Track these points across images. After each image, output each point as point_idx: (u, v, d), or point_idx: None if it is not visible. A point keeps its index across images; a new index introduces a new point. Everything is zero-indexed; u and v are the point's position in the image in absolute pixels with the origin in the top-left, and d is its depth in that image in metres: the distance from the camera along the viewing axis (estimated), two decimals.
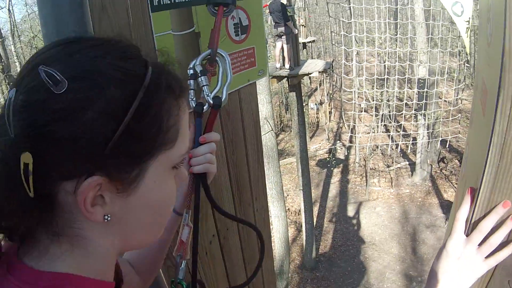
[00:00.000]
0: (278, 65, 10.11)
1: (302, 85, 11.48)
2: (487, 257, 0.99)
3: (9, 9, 16.81)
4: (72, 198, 0.62)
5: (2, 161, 0.59)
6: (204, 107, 1.20)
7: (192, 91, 1.22)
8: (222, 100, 1.20)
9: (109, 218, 0.67)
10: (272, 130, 8.84)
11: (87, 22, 1.31)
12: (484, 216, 0.99)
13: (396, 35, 15.86)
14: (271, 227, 10.21)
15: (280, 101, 24.36)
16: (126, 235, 0.75)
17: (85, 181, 0.61)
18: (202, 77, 1.19)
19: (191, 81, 1.21)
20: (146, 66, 0.68)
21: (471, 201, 1.02)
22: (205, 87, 1.19)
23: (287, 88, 11.70)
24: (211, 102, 1.18)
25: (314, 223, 12.84)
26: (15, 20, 18.62)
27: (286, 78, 10.33)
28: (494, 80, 0.91)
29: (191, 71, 1.22)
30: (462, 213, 1.03)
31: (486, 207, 0.99)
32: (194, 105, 1.20)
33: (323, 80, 22.17)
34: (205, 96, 1.19)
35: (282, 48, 9.97)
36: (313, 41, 18.23)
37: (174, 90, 0.72)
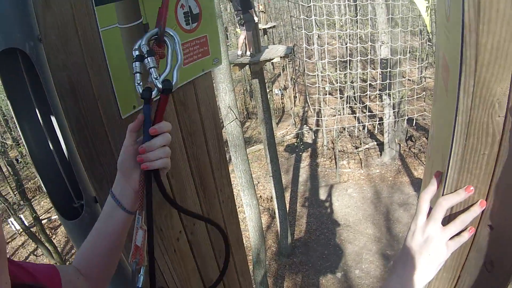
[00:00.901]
0: (239, 53, 10.05)
1: (265, 71, 11.48)
2: (450, 239, 0.98)
3: None
4: None
5: None
6: (153, 92, 1.08)
7: (138, 74, 1.09)
8: (173, 83, 1.08)
9: None
10: (236, 118, 8.79)
11: (32, 20, 1.24)
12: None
13: (357, 16, 15.98)
14: (244, 215, 10.21)
15: (244, 88, 24.38)
16: None
17: None
18: (149, 58, 1.07)
19: (137, 63, 1.09)
20: None
21: (438, 183, 1.01)
22: (152, 69, 1.07)
23: (250, 76, 11.67)
24: (160, 86, 1.06)
25: (287, 209, 12.91)
26: None
27: (248, 65, 10.28)
28: (455, 55, 0.86)
29: (136, 52, 1.10)
30: (427, 194, 1.01)
31: (454, 188, 0.97)
32: (140, 91, 1.09)
33: (285, 65, 22.30)
34: (153, 79, 1.06)
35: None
36: (274, 26, 18.21)
37: None
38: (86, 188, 1.53)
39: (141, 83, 1.10)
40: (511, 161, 0.88)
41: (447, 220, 0.99)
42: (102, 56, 1.30)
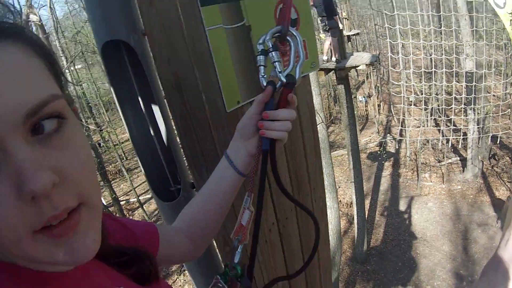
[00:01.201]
0: (325, 58, 10.04)
1: (349, 77, 11.36)
2: None
3: (50, 7, 17.26)
4: None
5: None
6: (277, 85, 1.08)
7: (262, 67, 1.10)
8: (297, 77, 1.08)
9: None
10: (322, 122, 8.79)
11: (136, 15, 1.35)
12: None
13: (440, 27, 15.51)
14: None
15: (328, 93, 24.21)
16: None
17: None
18: (273, 52, 1.08)
19: (261, 57, 1.10)
20: None
21: None
22: (277, 63, 1.08)
23: (335, 81, 11.59)
24: (284, 80, 1.06)
25: (366, 216, 12.72)
26: (57, 18, 19.08)
27: (333, 71, 10.25)
28: None
29: (261, 47, 1.10)
30: None
31: None
32: (265, 83, 1.09)
33: (370, 73, 21.91)
34: (277, 73, 1.07)
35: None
36: (357, 34, 17.97)
37: None
38: (184, 174, 1.65)
39: (265, 76, 1.10)
40: None
41: None
42: (209, 54, 1.37)
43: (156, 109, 1.58)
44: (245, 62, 1.49)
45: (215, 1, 1.35)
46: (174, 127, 1.53)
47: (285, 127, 1.06)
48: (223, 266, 1.26)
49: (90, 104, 22.79)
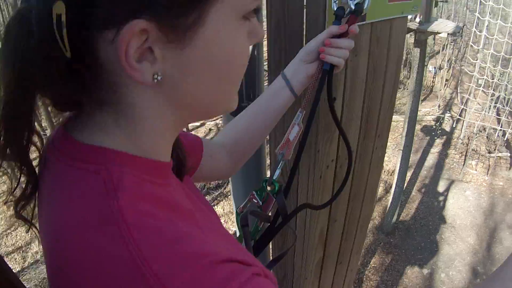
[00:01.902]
0: (409, 16, 9.68)
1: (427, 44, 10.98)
2: None
3: None
4: (115, 54, 0.52)
5: (35, 19, 0.50)
6: (346, 12, 1.15)
7: None
8: (364, 7, 1.15)
9: (159, 78, 0.56)
10: None
11: None
12: None
13: None
14: None
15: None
16: (184, 101, 0.62)
17: (126, 25, 0.50)
18: None
19: None
20: None
21: None
22: None
23: (410, 44, 11.18)
24: (353, 7, 1.14)
25: (404, 188, 12.61)
26: None
27: (413, 32, 9.89)
28: None
29: None
30: None
31: None
32: (335, 8, 1.16)
33: (447, 44, 21.19)
34: (348, 0, 1.15)
35: None
36: (446, 1, 17.37)
37: None
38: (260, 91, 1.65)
39: (336, 1, 1.20)
40: None
41: None
42: None
43: None
44: None
45: None
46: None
47: (344, 54, 1.14)
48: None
49: None
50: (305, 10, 1.40)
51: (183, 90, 0.60)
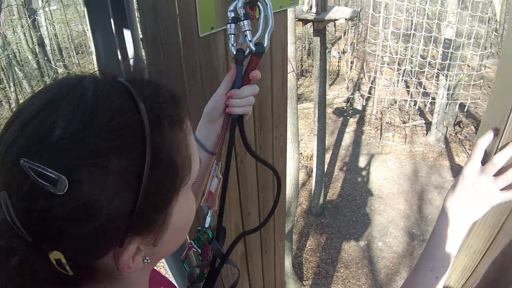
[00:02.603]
0: (305, 8, 9.90)
1: (326, 32, 11.27)
2: (502, 189, 0.98)
3: None
4: (112, 264, 0.62)
5: (24, 262, 0.54)
6: (245, 53, 1.14)
7: (232, 36, 1.15)
8: (264, 46, 1.14)
9: (148, 260, 0.69)
10: (293, 71, 8.76)
11: None
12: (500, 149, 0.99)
13: None
14: None
15: (303, 46, 24.08)
16: (160, 257, 0.77)
17: (124, 254, 0.61)
18: (245, 21, 1.13)
19: (232, 25, 1.15)
20: (138, 112, 0.59)
21: (494, 135, 1.01)
22: (247, 32, 1.13)
23: (311, 34, 11.46)
24: (254, 48, 1.12)
25: (325, 170, 12.89)
26: None
27: (311, 23, 10.14)
28: None
29: (232, 14, 1.15)
30: (483, 141, 1.02)
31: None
32: (235, 52, 1.15)
33: (347, 29, 21.82)
34: (248, 41, 1.12)
35: None
36: None
37: (174, 119, 0.65)
38: None
39: (234, 44, 1.15)
40: None
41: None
42: None
43: (127, 33, 1.56)
44: None
45: None
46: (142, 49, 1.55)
47: (249, 101, 1.15)
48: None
49: (61, 46, 22.69)
50: (178, 18, 1.36)
51: (161, 252, 0.73)
